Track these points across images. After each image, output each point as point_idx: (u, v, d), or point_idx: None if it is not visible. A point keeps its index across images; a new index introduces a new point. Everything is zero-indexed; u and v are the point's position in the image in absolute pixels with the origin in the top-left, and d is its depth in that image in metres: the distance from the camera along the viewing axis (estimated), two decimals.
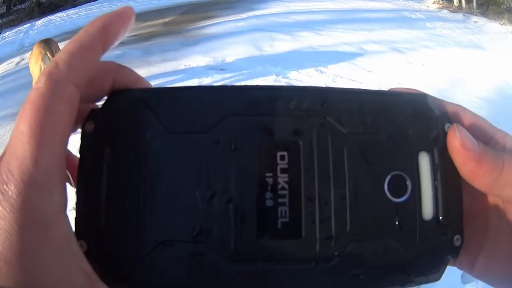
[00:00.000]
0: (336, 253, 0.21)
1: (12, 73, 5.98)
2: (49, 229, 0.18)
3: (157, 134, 0.21)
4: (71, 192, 0.21)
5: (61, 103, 0.18)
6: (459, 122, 0.23)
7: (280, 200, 0.21)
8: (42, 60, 3.32)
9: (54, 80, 0.18)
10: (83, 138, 0.22)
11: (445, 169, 0.22)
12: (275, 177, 0.21)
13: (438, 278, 0.21)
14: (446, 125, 0.23)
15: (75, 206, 0.21)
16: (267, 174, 0.21)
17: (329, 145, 0.21)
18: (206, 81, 4.23)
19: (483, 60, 5.08)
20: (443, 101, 0.25)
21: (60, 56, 0.19)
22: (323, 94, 0.22)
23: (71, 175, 0.23)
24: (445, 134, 0.22)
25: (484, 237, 0.24)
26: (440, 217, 0.22)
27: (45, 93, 0.18)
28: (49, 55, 3.33)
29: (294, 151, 0.21)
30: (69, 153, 0.23)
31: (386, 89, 0.25)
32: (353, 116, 0.22)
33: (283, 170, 0.21)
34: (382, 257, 0.21)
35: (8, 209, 0.17)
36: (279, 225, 0.21)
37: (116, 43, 0.21)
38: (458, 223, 0.22)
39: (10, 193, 0.17)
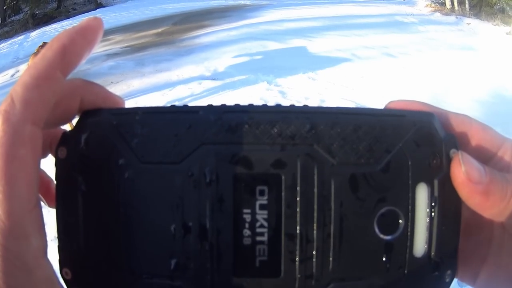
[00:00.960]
0: None
1: (7, 85, 5.98)
2: (31, 273, 0.18)
3: (129, 164, 0.20)
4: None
5: (22, 147, 0.18)
6: (466, 137, 0.22)
7: (258, 238, 0.20)
8: None
9: (11, 123, 0.18)
10: (56, 165, 0.21)
11: (445, 202, 0.20)
12: (253, 213, 0.20)
13: None
14: (452, 151, 0.21)
15: (56, 234, 0.21)
16: (245, 211, 0.20)
17: (314, 178, 0.20)
18: (197, 90, 4.23)
19: (477, 62, 5.10)
20: (449, 112, 0.23)
21: (16, 90, 0.18)
22: (311, 117, 0.20)
23: (46, 196, 0.23)
24: (449, 160, 0.21)
25: (487, 250, 0.23)
26: (432, 253, 0.20)
27: (3, 140, 0.17)
28: None
29: (275, 185, 0.20)
30: (43, 175, 0.23)
31: (388, 104, 0.23)
32: (345, 143, 0.20)
33: (262, 207, 0.20)
34: None
35: None
36: (257, 264, 0.20)
37: (81, 62, 0.20)
38: (452, 258, 0.21)
39: None
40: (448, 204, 0.21)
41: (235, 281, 0.20)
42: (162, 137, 0.20)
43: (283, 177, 0.20)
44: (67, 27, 0.20)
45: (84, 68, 6.05)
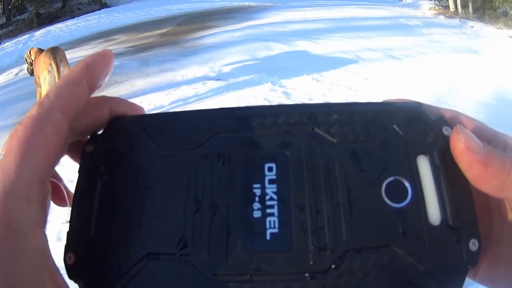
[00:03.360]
0: (332, 265, 0.19)
1: (11, 83, 6.00)
2: (25, 240, 0.18)
3: (150, 153, 0.22)
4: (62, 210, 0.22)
5: (48, 126, 0.20)
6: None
7: (268, 210, 0.20)
8: (47, 69, 3.36)
9: (44, 107, 0.21)
10: (82, 158, 0.23)
11: (449, 170, 0.21)
12: (263, 188, 0.20)
13: None
14: (444, 128, 0.22)
15: (68, 220, 0.22)
16: (255, 185, 0.21)
17: (318, 154, 0.21)
18: (202, 90, 4.24)
19: (480, 65, 5.09)
20: (438, 107, 0.24)
21: (51, 89, 0.22)
22: (310, 108, 0.22)
23: (56, 196, 0.24)
24: (443, 137, 0.21)
25: (487, 242, 0.23)
26: (450, 221, 0.20)
27: (35, 117, 0.20)
28: (53, 64, 3.37)
29: (282, 162, 0.21)
30: (55, 173, 0.24)
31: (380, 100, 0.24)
32: (342, 126, 0.21)
33: (271, 181, 0.21)
34: (387, 268, 0.19)
35: None
36: (268, 237, 0.20)
37: (101, 80, 0.24)
38: (473, 226, 0.20)
39: None
40: (452, 172, 0.21)
41: (244, 256, 0.20)
42: (181, 131, 0.22)
43: (289, 154, 0.21)
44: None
45: None
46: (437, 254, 0.19)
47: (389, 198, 0.20)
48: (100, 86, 0.24)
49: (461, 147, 0.21)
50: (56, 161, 0.21)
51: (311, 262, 0.19)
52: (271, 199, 0.20)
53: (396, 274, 0.19)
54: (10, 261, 0.18)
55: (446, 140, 0.21)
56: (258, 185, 0.21)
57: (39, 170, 0.20)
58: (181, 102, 4.03)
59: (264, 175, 0.21)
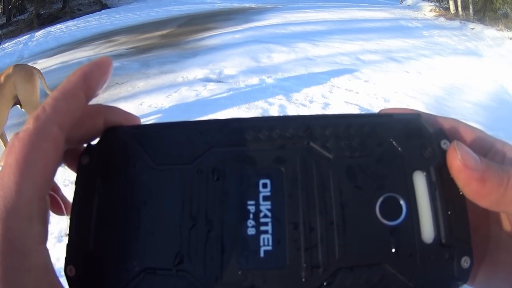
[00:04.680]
0: (324, 283, 0.19)
1: None
2: (28, 257, 0.19)
3: (145, 166, 0.22)
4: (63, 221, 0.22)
5: (46, 141, 0.20)
6: (456, 137, 0.23)
7: (262, 228, 0.20)
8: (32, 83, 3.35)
9: (40, 122, 0.20)
10: (78, 170, 0.23)
11: (445, 187, 0.21)
12: (257, 205, 0.21)
13: None
14: (442, 142, 0.21)
15: (67, 233, 0.22)
16: (249, 202, 0.21)
17: (313, 170, 0.21)
18: (203, 92, 4.25)
19: (480, 67, 5.10)
20: (437, 116, 0.24)
21: (47, 101, 0.21)
22: (306, 121, 0.22)
23: (54, 207, 0.24)
24: (441, 151, 0.21)
25: (485, 249, 0.23)
26: (443, 239, 0.20)
27: (32, 132, 0.20)
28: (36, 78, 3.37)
29: (276, 178, 0.21)
30: (54, 187, 0.24)
31: (379, 112, 0.24)
32: (339, 140, 0.21)
33: (266, 198, 0.21)
34: (378, 286, 0.19)
35: None
36: (261, 254, 0.20)
37: (99, 90, 0.23)
38: (466, 243, 0.20)
39: None
40: (449, 189, 0.21)
41: (238, 273, 0.20)
42: (175, 144, 0.22)
43: (283, 170, 0.21)
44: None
45: None
46: (428, 272, 0.20)
47: (383, 216, 0.20)
48: (97, 95, 0.23)
49: (458, 164, 0.20)
50: (53, 174, 0.21)
51: (304, 280, 0.19)
52: (265, 216, 0.20)
53: None
54: (14, 279, 0.18)
55: (443, 154, 0.21)
56: (253, 202, 0.21)
57: (38, 187, 0.20)
58: (181, 104, 4.04)
59: (259, 192, 0.21)
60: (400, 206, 0.20)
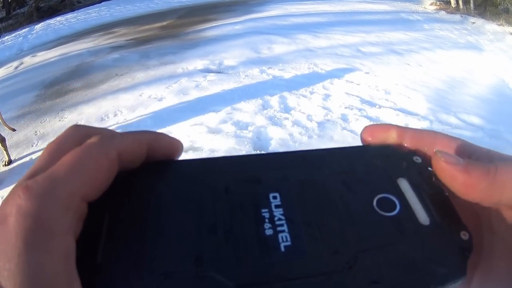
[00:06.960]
0: (346, 265, 0.21)
1: (11, 77, 6.00)
2: (52, 238, 0.18)
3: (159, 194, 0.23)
4: None
5: (103, 160, 0.21)
6: (436, 147, 0.24)
7: (279, 228, 0.22)
8: None
9: (104, 139, 0.22)
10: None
11: (427, 186, 0.24)
12: (270, 211, 0.23)
13: (463, 274, 0.21)
14: (415, 158, 0.25)
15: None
16: (263, 210, 0.23)
17: (315, 182, 0.24)
18: (203, 83, 4.24)
19: (481, 61, 5.11)
20: (415, 129, 0.26)
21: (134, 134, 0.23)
22: (302, 155, 0.26)
23: None
24: (414, 163, 0.25)
25: (479, 255, 0.24)
26: (438, 220, 0.23)
27: (93, 146, 0.21)
28: None
29: (284, 190, 0.24)
30: None
31: (362, 129, 0.29)
32: (331, 163, 0.26)
33: (277, 206, 0.23)
34: (396, 260, 0.21)
35: None
36: (282, 249, 0.21)
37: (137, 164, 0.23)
38: (458, 221, 0.23)
39: None
40: (430, 188, 0.24)
41: (263, 266, 0.21)
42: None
43: (289, 184, 0.24)
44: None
45: (88, 60, 6.05)
46: (436, 245, 0.22)
47: (381, 210, 0.23)
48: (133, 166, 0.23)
49: (441, 164, 0.22)
50: (101, 189, 0.21)
51: (326, 264, 0.21)
52: (280, 219, 0.22)
53: (406, 265, 0.21)
54: (33, 254, 0.18)
55: (417, 166, 0.25)
56: (266, 210, 0.23)
57: (85, 187, 0.20)
58: (181, 95, 4.03)
59: (270, 202, 0.23)
60: (394, 202, 0.24)
